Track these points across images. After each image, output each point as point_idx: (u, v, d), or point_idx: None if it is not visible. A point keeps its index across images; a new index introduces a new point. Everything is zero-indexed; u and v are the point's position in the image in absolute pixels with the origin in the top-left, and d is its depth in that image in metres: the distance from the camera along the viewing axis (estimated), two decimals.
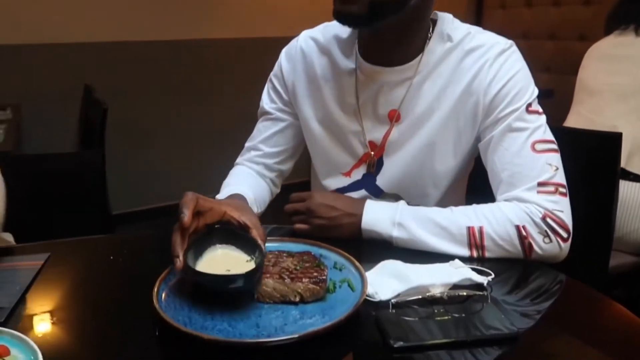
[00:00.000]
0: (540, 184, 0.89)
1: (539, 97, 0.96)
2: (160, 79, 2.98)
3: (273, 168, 1.15)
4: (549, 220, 0.87)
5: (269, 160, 1.14)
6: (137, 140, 2.96)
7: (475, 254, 0.88)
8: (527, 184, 0.89)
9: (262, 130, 1.14)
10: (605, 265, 1.40)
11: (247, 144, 1.17)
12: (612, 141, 1.33)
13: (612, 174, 1.34)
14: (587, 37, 2.85)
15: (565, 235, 0.88)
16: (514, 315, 0.73)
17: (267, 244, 0.78)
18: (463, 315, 0.70)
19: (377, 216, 0.91)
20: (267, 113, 1.13)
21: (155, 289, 0.70)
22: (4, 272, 0.85)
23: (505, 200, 0.91)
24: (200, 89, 3.09)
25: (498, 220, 0.88)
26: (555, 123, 1.07)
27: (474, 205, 0.92)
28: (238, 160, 1.17)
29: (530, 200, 0.88)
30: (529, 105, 0.93)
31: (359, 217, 0.92)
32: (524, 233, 0.87)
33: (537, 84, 0.97)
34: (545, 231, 0.87)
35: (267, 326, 0.68)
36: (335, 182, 1.08)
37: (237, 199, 0.95)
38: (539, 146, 0.91)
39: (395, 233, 0.89)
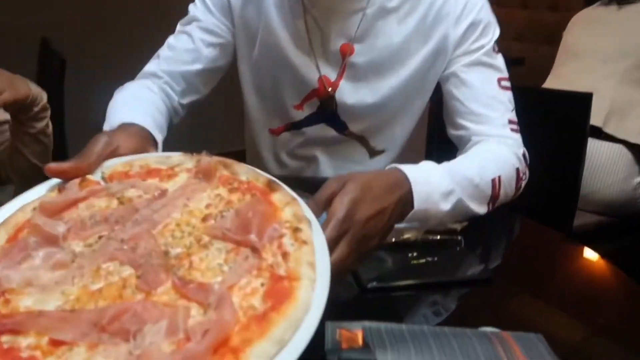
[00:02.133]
0: (510, 122, 0.90)
1: (509, 65, 0.97)
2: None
3: (180, 92, 1.07)
4: (524, 160, 0.88)
5: (177, 85, 1.06)
6: (98, 94, 2.85)
7: (488, 209, 0.85)
8: (499, 120, 0.91)
9: (184, 42, 1.05)
10: (570, 224, 1.44)
11: (152, 62, 1.07)
12: (583, 101, 1.35)
13: (581, 133, 1.37)
14: (559, 7, 2.90)
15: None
16: (488, 259, 0.73)
17: None
18: (437, 258, 0.70)
19: (429, 189, 0.77)
20: (196, 21, 1.04)
21: None
22: None
23: (478, 135, 0.90)
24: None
25: (505, 164, 0.87)
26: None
27: (478, 148, 0.90)
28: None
29: (512, 137, 0.89)
30: (495, 42, 0.93)
31: (409, 199, 0.76)
32: (520, 175, 0.87)
33: (508, 52, 1.00)
34: (525, 172, 0.87)
35: None
36: (284, 118, 1.04)
37: (133, 134, 0.85)
38: (503, 83, 0.93)
39: (444, 206, 0.79)
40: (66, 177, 0.73)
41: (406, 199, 0.74)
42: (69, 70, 1.99)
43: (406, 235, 0.74)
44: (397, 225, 0.72)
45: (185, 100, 1.12)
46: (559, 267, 0.81)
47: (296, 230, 0.66)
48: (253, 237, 0.65)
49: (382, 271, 0.67)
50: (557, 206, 1.38)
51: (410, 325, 0.69)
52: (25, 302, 0.57)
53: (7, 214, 0.68)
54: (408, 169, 0.77)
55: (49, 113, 1.43)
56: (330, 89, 1.02)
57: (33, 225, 0.64)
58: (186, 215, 0.70)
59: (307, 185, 0.80)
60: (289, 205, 0.71)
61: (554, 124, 1.34)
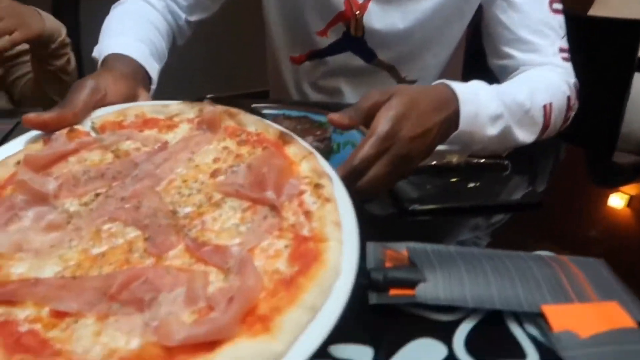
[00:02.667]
0: (561, 50, 0.85)
1: None
2: None
3: (186, 8, 0.98)
4: (575, 89, 0.83)
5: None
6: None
7: (534, 139, 0.80)
8: (550, 48, 0.85)
9: None
10: (609, 162, 1.38)
11: None
12: (632, 29, 1.27)
13: (628, 64, 1.30)
14: None
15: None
16: (535, 184, 0.70)
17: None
18: (482, 182, 0.67)
19: (477, 110, 0.71)
20: None
21: None
22: None
23: (525, 65, 0.85)
24: None
25: (557, 91, 0.82)
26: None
27: (527, 74, 0.84)
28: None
29: (562, 66, 0.84)
30: None
31: (455, 120, 0.71)
32: (570, 104, 0.83)
33: None
34: (575, 102, 0.83)
35: None
36: (306, 45, 0.97)
37: (122, 76, 0.76)
38: (555, 5, 0.86)
39: (491, 130, 0.74)
40: (48, 129, 0.64)
41: (452, 119, 0.69)
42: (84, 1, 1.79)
43: (449, 158, 0.70)
44: (439, 148, 0.67)
45: (192, 18, 1.01)
46: (611, 192, 0.77)
47: (317, 186, 0.60)
48: (270, 194, 0.59)
49: (424, 194, 0.64)
50: (596, 142, 1.31)
51: (459, 247, 0.65)
52: (18, 269, 0.50)
53: None
54: (457, 86, 0.71)
55: (69, 49, 1.31)
56: (357, 12, 0.93)
57: (19, 181, 0.56)
58: (192, 171, 0.63)
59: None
60: (306, 159, 0.65)
61: (599, 55, 1.25)
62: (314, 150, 0.65)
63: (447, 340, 0.54)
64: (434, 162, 0.69)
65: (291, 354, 0.46)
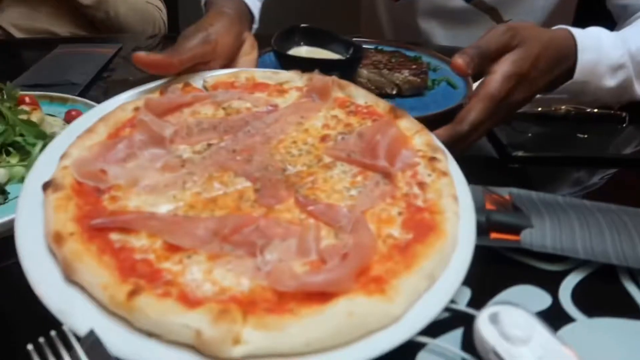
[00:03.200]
0: None
1: None
2: None
3: None
4: None
5: None
6: None
7: None
8: None
9: None
10: None
11: None
12: None
13: None
14: None
15: None
16: None
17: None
18: (592, 134, 0.60)
19: (597, 59, 0.66)
20: None
21: None
22: (78, 56, 1.08)
23: None
24: None
25: None
26: None
27: None
28: None
29: None
30: None
31: (571, 69, 0.66)
32: None
33: None
34: None
35: None
36: None
37: (231, 23, 0.74)
38: None
39: (609, 82, 0.67)
40: (153, 69, 0.64)
41: (568, 70, 0.65)
42: None
43: (556, 106, 0.65)
44: (546, 95, 0.63)
45: None
46: None
47: (432, 160, 0.57)
48: (383, 162, 0.56)
49: (527, 140, 0.59)
50: None
51: (568, 198, 0.59)
52: (134, 202, 0.50)
53: (104, 111, 0.61)
54: (577, 31, 0.65)
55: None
56: None
57: (140, 121, 0.57)
58: (302, 134, 0.62)
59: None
60: (419, 133, 0.62)
61: None
62: (425, 127, 0.63)
63: (553, 289, 0.51)
64: (539, 109, 0.64)
65: (409, 319, 0.43)
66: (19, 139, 0.66)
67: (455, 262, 0.48)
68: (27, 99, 0.74)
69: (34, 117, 0.70)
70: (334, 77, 0.68)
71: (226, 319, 0.39)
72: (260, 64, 0.78)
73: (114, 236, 0.46)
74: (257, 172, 0.55)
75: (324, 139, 0.61)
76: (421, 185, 0.55)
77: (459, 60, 0.61)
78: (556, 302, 0.50)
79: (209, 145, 0.58)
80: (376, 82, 0.68)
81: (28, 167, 0.63)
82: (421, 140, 0.61)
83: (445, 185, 0.54)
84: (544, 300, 0.51)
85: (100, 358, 0.38)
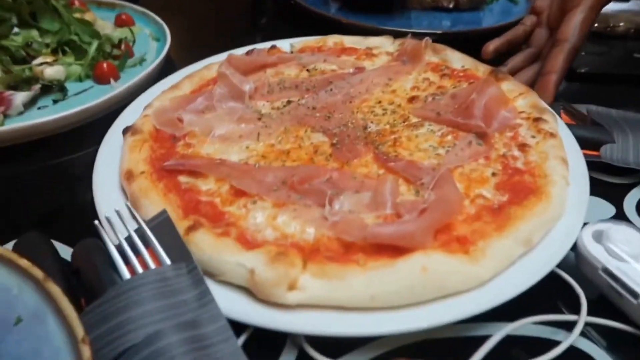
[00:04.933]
0: None
1: None
2: None
3: None
4: None
5: None
6: None
7: None
8: None
9: None
10: None
11: None
12: None
13: None
14: None
15: None
16: None
17: None
18: None
19: None
20: None
21: None
22: None
23: None
24: None
25: None
26: None
27: None
28: None
29: None
30: None
31: None
32: None
33: None
34: None
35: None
36: None
37: None
38: None
39: None
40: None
41: None
42: None
43: (613, 23, 0.59)
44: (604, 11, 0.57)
45: None
46: None
47: (537, 120, 0.49)
48: (478, 121, 0.50)
49: (591, 60, 0.56)
50: None
51: None
52: (207, 150, 0.49)
53: (191, 70, 0.61)
54: None
55: None
56: None
57: (221, 74, 0.56)
58: (388, 95, 0.57)
59: None
60: (523, 95, 0.54)
61: None
62: (532, 90, 0.55)
63: (617, 201, 0.50)
64: (596, 25, 0.59)
65: (498, 285, 0.36)
66: (74, 37, 0.66)
67: (560, 230, 0.40)
68: (76, 2, 0.75)
69: (87, 17, 0.71)
70: (428, 40, 0.63)
71: (283, 261, 0.35)
72: None
73: (183, 178, 0.45)
74: (336, 129, 0.51)
75: (412, 100, 0.56)
76: (522, 147, 0.47)
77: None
78: (620, 212, 0.49)
79: (289, 102, 0.56)
80: None
81: (84, 66, 0.64)
82: (525, 102, 0.53)
83: (552, 147, 0.46)
84: (607, 210, 0.49)
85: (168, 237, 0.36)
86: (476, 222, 0.39)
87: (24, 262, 0.29)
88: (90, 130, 0.56)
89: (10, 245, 0.40)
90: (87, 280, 0.34)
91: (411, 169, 0.45)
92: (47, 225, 0.47)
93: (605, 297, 0.38)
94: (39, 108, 0.59)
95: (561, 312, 0.38)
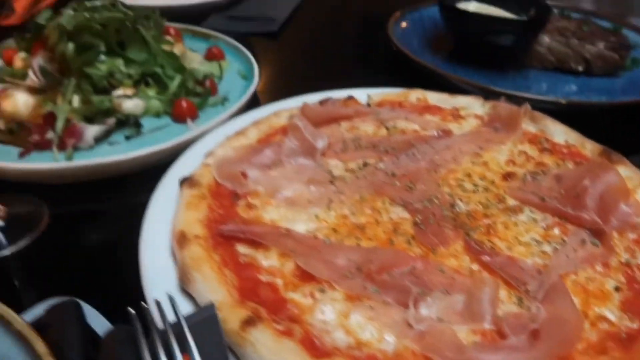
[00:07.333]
0: None
1: None
2: None
3: None
4: None
5: None
6: None
7: None
8: None
9: None
10: None
11: None
12: None
13: None
14: None
15: None
16: None
17: None
18: None
19: None
20: None
21: None
22: None
23: None
24: None
25: None
26: None
27: None
28: None
29: None
30: None
31: None
32: None
33: None
34: None
35: None
36: None
37: None
38: None
39: None
40: None
41: None
42: None
43: None
44: None
45: None
46: None
47: None
48: (593, 215, 0.41)
49: None
50: None
51: None
52: (271, 214, 0.43)
53: (259, 115, 0.56)
54: None
55: None
56: None
57: (293, 126, 0.50)
58: (479, 167, 0.50)
59: None
60: None
61: None
62: None
63: None
64: None
65: None
66: (158, 70, 0.63)
67: None
68: (171, 31, 0.73)
69: (176, 50, 0.68)
70: (526, 107, 0.55)
71: None
72: (414, 19, 0.72)
73: (242, 248, 0.39)
74: (419, 203, 0.44)
75: (507, 176, 0.48)
76: None
77: None
78: None
79: (365, 164, 0.49)
80: (559, 53, 0.57)
81: (164, 101, 0.60)
82: None
83: None
84: None
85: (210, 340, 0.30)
86: (602, 357, 0.31)
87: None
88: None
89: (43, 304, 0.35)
90: None
91: (512, 268, 0.37)
92: (83, 287, 0.41)
93: None
94: (110, 144, 0.55)
95: None
